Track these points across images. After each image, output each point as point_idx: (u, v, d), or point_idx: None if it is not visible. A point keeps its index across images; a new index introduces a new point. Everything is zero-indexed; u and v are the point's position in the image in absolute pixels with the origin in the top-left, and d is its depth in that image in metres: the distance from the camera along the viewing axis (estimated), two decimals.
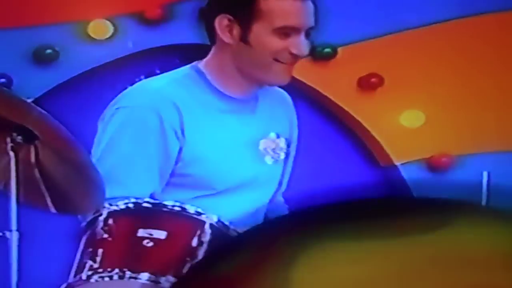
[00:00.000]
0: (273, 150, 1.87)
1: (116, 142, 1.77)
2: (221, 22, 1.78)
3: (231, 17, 1.78)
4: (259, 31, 1.76)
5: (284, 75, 1.80)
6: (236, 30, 1.78)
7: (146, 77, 1.94)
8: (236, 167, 1.82)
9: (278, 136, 1.88)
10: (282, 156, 1.89)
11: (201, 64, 1.85)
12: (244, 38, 1.78)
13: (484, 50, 2.94)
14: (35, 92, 2.65)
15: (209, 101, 1.82)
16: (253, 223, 1.84)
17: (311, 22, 1.79)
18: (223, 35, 1.79)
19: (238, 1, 1.78)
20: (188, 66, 1.86)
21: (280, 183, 1.92)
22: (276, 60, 1.78)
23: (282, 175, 1.92)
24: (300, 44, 1.77)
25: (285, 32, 1.77)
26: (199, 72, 1.84)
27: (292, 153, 1.93)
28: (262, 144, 1.85)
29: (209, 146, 1.80)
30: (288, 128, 1.92)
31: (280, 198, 1.96)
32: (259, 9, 1.76)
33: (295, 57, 1.79)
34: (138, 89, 1.83)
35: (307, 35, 1.80)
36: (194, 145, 1.79)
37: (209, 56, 1.85)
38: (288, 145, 1.91)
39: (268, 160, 1.86)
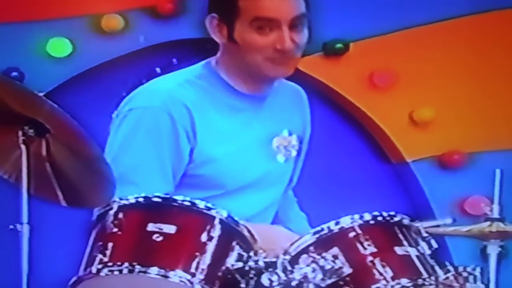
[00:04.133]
0: (285, 147, 1.86)
1: (129, 143, 1.77)
2: (211, 22, 1.80)
3: (218, 17, 1.78)
4: (241, 28, 1.76)
5: (279, 69, 1.78)
6: (225, 30, 1.78)
7: (162, 69, 1.94)
8: (248, 166, 1.82)
9: (290, 133, 1.87)
10: (294, 153, 1.88)
11: (213, 62, 1.85)
12: (231, 37, 1.78)
13: (497, 47, 2.92)
14: (47, 86, 2.66)
15: (223, 99, 1.81)
16: (265, 219, 1.86)
17: (291, 13, 1.75)
18: (214, 35, 1.80)
19: (222, 1, 1.79)
20: (201, 64, 1.86)
21: (290, 180, 1.92)
22: (268, 59, 1.76)
23: (293, 172, 1.91)
24: (284, 39, 1.75)
25: (262, 26, 1.75)
26: (211, 70, 1.84)
27: (304, 149, 1.92)
28: (275, 142, 1.84)
29: (221, 146, 1.80)
30: (301, 125, 1.91)
31: (289, 192, 1.95)
32: (238, 6, 1.76)
33: (283, 53, 1.76)
34: (149, 90, 1.82)
35: (297, 27, 1.76)
36: (205, 146, 1.78)
37: (218, 54, 1.85)
38: (301, 142, 1.90)
39: (280, 158, 1.85)
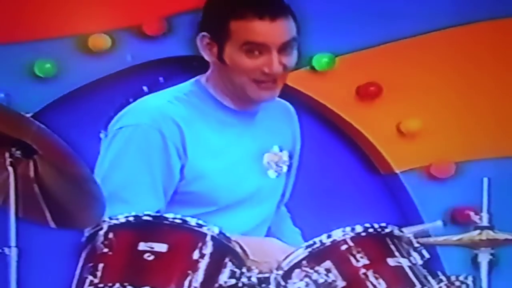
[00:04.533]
0: (276, 163, 1.86)
1: (120, 161, 1.77)
2: (202, 41, 1.82)
3: (209, 37, 1.81)
4: (230, 50, 1.78)
5: (265, 93, 1.80)
6: (215, 49, 1.81)
7: (149, 87, 1.94)
8: (240, 182, 1.82)
9: (281, 149, 1.88)
10: (285, 169, 1.88)
11: (203, 79, 1.86)
12: (220, 57, 1.80)
13: (482, 57, 2.94)
14: (33, 106, 2.65)
15: (212, 114, 1.82)
16: (258, 235, 1.85)
17: (282, 38, 1.77)
18: (203, 53, 1.82)
19: (214, 22, 1.80)
20: (191, 81, 1.87)
21: (282, 195, 1.92)
22: (254, 80, 1.78)
23: (285, 187, 1.91)
24: (272, 63, 1.77)
25: (252, 49, 1.77)
26: (201, 87, 1.85)
27: (295, 164, 1.93)
28: (266, 158, 1.85)
29: (212, 161, 1.80)
30: (291, 140, 1.92)
31: (282, 208, 1.95)
32: (229, 29, 1.78)
33: (270, 76, 1.78)
34: (138, 108, 1.83)
35: (287, 50, 1.79)
36: (196, 162, 1.79)
37: (209, 71, 1.86)
38: (291, 158, 1.90)
39: (271, 174, 1.86)
